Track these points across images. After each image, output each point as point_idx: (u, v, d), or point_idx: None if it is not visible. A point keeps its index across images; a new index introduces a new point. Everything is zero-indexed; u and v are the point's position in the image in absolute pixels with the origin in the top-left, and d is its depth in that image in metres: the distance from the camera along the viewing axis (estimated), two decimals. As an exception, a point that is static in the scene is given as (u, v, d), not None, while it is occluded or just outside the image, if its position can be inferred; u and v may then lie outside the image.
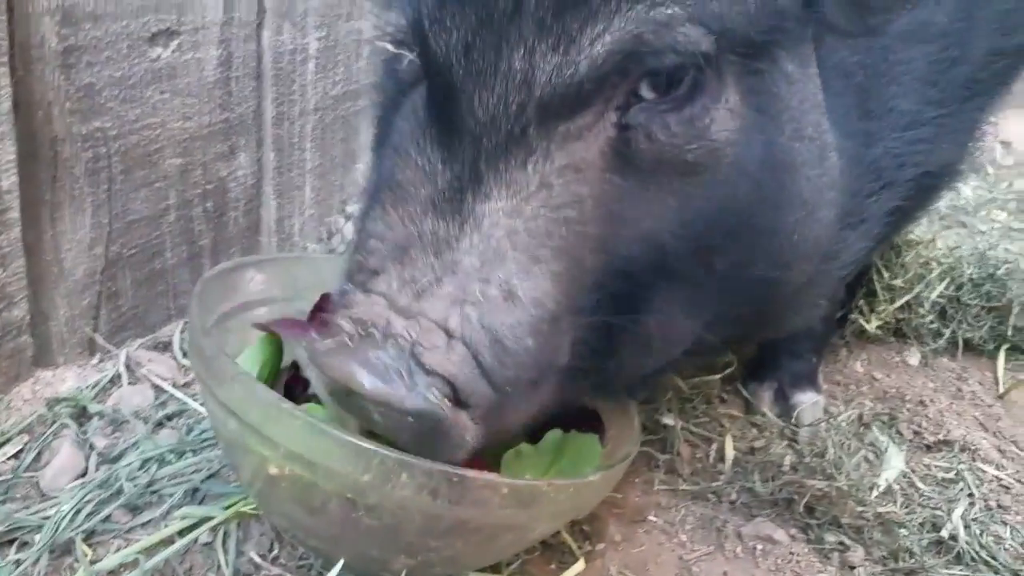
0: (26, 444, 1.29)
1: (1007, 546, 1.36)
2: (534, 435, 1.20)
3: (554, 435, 1.22)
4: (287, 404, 0.94)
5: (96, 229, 1.46)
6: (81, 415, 1.37)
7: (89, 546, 1.12)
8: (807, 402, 1.69)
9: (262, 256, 1.83)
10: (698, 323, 1.03)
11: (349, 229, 2.25)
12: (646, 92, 0.88)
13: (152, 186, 1.57)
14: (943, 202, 2.92)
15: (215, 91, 1.68)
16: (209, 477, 1.27)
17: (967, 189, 3.07)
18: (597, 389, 1.09)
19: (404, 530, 0.95)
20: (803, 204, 1.01)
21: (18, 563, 1.07)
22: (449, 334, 0.83)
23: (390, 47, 0.97)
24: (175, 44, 1.56)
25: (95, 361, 1.50)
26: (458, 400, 0.83)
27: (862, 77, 1.11)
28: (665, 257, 0.93)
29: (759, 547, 1.32)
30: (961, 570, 1.31)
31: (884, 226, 1.28)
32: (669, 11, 0.83)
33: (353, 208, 2.32)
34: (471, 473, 0.92)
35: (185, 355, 1.57)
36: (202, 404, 1.42)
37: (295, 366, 1.26)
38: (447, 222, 0.86)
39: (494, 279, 0.84)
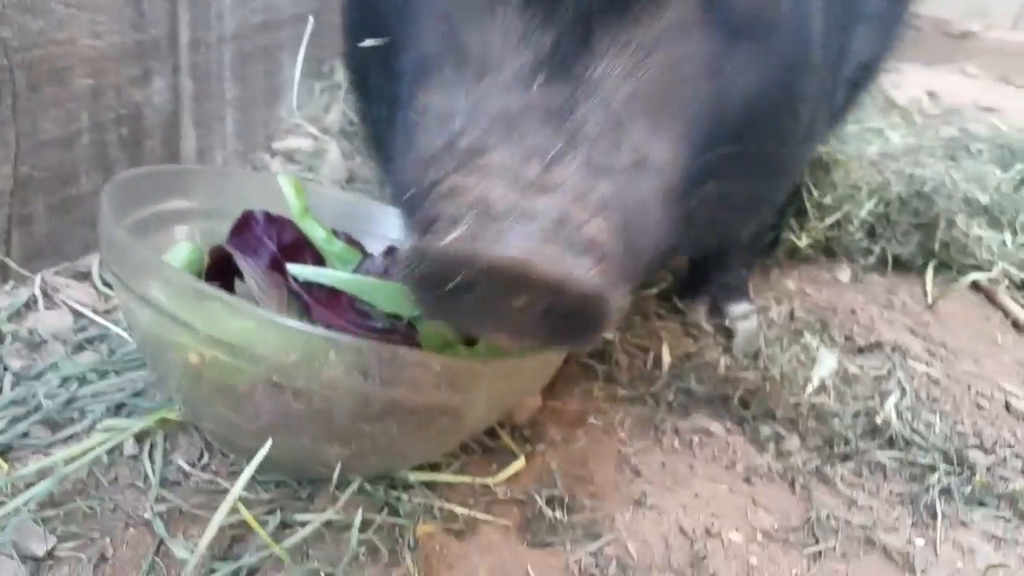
0: (-65, 365, 1.22)
1: (937, 430, 1.40)
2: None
3: None
4: (204, 285, 0.90)
5: (2, 148, 1.38)
6: (-7, 336, 1.31)
7: (6, 460, 1.07)
8: (740, 312, 1.71)
9: (182, 166, 1.75)
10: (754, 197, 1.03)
11: (276, 165, 2.19)
12: None
13: (62, 106, 1.49)
14: (873, 147, 3.00)
15: (126, 9, 1.60)
16: (134, 395, 1.22)
17: (895, 136, 3.14)
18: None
19: (335, 415, 0.93)
20: (813, 74, 1.02)
21: (-73, 476, 1.02)
22: (592, 206, 0.73)
23: None
24: (79, -44, 1.47)
25: (8, 287, 1.42)
26: (610, 271, 0.73)
27: None
28: (751, 119, 0.91)
29: (696, 439, 1.33)
30: (895, 453, 1.34)
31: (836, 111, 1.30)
32: None
33: (280, 145, 2.26)
34: (403, 350, 0.89)
35: (105, 283, 1.51)
36: (124, 326, 1.36)
37: (210, 275, 1.21)
38: (560, 87, 0.76)
39: (624, 146, 0.77)
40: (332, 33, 2.41)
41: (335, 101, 2.45)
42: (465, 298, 0.73)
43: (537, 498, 1.15)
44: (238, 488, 0.91)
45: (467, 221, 0.70)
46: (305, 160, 2.20)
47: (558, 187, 0.72)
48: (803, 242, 2.07)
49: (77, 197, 1.57)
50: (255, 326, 0.87)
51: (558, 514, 1.12)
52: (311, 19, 2.00)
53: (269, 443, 0.91)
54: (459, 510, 1.12)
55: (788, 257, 2.10)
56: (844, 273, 2.08)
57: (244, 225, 1.22)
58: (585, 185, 0.73)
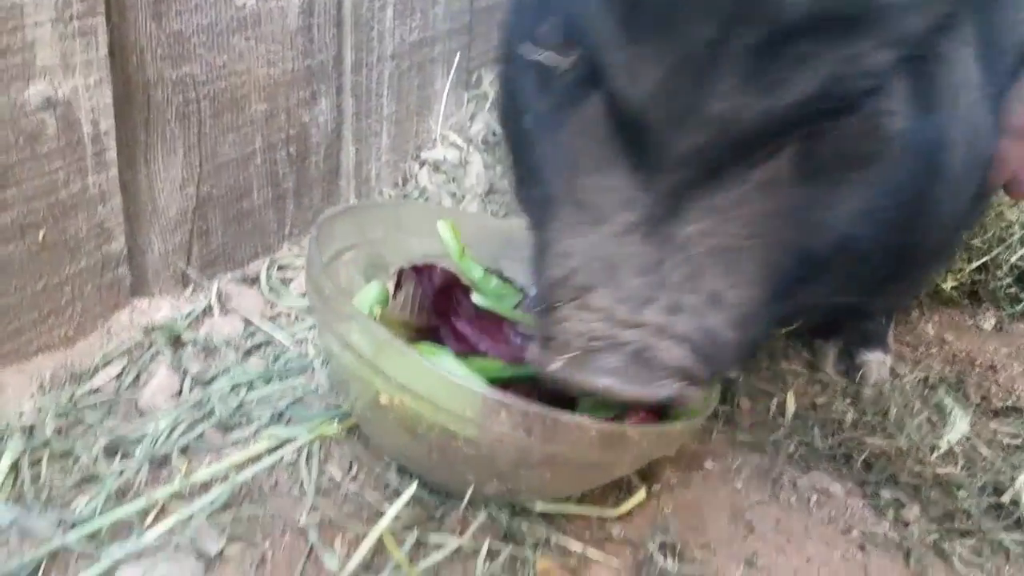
0: (125, 367, 1.39)
1: (1069, 515, 1.36)
2: None
3: None
4: (399, 343, 1.03)
5: (187, 170, 1.55)
6: (175, 342, 1.47)
7: (184, 460, 1.22)
8: (873, 360, 1.69)
9: (366, 202, 1.95)
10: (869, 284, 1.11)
11: (424, 176, 2.31)
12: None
13: (239, 130, 1.64)
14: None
15: (298, 38, 1.73)
16: (294, 402, 1.35)
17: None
18: None
19: (498, 460, 1.05)
20: (954, 179, 1.04)
21: (121, 472, 1.18)
22: (673, 336, 0.94)
23: (542, 58, 1.00)
24: (261, -9, 1.61)
25: (188, 293, 1.60)
26: (690, 381, 0.97)
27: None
28: (855, 243, 1.00)
29: (814, 498, 1.35)
30: (1020, 536, 1.31)
31: None
32: (866, 43, 0.86)
33: (428, 155, 2.38)
34: (564, 415, 1.00)
35: (271, 290, 1.67)
36: (287, 333, 1.51)
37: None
38: (653, 245, 0.94)
39: (701, 290, 0.94)
40: (483, 44, 2.51)
41: (480, 111, 2.54)
42: None
43: (650, 543, 1.21)
44: (390, 515, 1.07)
45: (572, 350, 0.95)
46: (450, 171, 2.31)
47: (648, 324, 0.94)
48: (948, 285, 2.01)
49: (249, 210, 1.73)
50: (441, 383, 1.00)
51: (669, 563, 1.18)
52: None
53: (413, 487, 1.03)
54: (573, 546, 1.19)
55: (930, 298, 2.04)
56: (988, 321, 2.01)
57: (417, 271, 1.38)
58: (665, 322, 0.94)
